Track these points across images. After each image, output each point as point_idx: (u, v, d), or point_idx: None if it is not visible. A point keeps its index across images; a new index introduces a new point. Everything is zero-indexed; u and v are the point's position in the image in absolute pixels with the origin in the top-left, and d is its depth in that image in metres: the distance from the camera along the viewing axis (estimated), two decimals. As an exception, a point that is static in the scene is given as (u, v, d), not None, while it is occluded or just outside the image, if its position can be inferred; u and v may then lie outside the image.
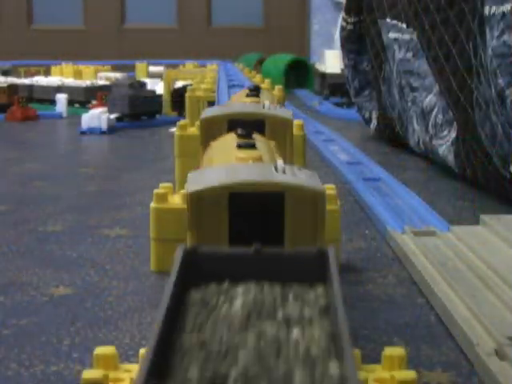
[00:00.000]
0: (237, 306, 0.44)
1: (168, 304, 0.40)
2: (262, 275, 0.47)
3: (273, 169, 0.62)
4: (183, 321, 0.42)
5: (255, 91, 0.90)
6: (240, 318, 0.42)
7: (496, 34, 1.37)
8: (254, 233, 0.54)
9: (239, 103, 0.85)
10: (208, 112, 0.77)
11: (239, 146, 0.70)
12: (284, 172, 0.61)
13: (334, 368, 0.37)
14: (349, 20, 2.35)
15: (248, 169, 0.62)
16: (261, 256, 0.48)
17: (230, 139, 0.75)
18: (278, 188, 0.57)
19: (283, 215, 0.57)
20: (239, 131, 0.73)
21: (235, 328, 0.41)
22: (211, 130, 0.73)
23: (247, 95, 0.92)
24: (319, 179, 0.62)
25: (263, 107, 0.76)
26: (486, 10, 1.41)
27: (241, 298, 0.45)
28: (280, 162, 0.64)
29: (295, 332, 0.41)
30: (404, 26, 1.97)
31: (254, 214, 0.57)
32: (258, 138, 0.75)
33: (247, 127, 0.70)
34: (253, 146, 0.70)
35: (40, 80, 3.46)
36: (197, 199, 0.58)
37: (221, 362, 0.37)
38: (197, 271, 0.48)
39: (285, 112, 0.74)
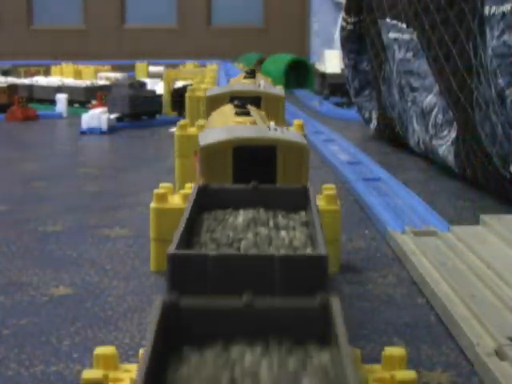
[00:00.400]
0: (239, 219, 0.58)
1: (187, 219, 0.53)
2: (258, 204, 0.61)
3: (267, 128, 0.77)
4: (199, 228, 0.56)
5: (251, 74, 1.05)
6: (242, 225, 0.56)
7: (496, 33, 1.37)
8: (253, 175, 0.66)
9: (239, 83, 0.96)
10: (212, 90, 0.89)
11: (237, 114, 0.83)
12: (275, 130, 0.76)
13: (309, 250, 0.51)
14: (349, 20, 2.35)
15: (247, 128, 0.77)
16: (257, 191, 0.62)
17: (229, 109, 0.88)
18: (271, 142, 0.72)
19: (275, 162, 0.72)
20: (236, 102, 0.87)
21: (238, 230, 0.55)
22: (215, 106, 0.84)
23: (244, 77, 1.06)
24: (304, 137, 0.76)
25: (259, 86, 0.89)
26: (486, 9, 1.41)
27: (242, 215, 0.59)
28: (272, 124, 0.80)
29: (282, 233, 0.55)
30: (404, 26, 1.97)
31: (252, 161, 0.71)
32: (251, 108, 0.88)
33: (246, 102, 0.82)
34: (248, 114, 0.84)
35: (40, 80, 3.46)
36: (207, 152, 0.72)
37: (227, 248, 0.51)
38: (208, 201, 0.61)
39: (277, 90, 0.89)
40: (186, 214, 0.54)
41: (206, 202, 0.61)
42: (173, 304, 0.38)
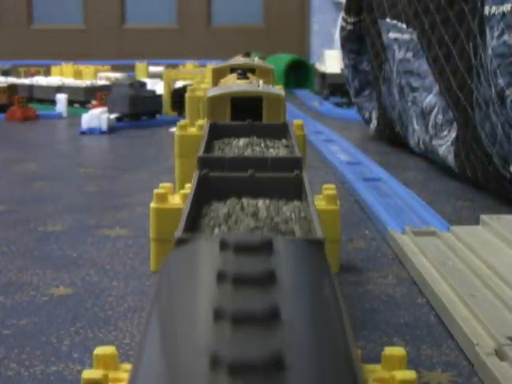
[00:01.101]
0: (240, 142, 0.81)
1: (205, 142, 0.77)
2: (252, 134, 0.84)
3: (256, 85, 1.02)
4: (213, 148, 0.79)
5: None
6: (242, 146, 0.80)
7: (496, 34, 1.37)
8: (245, 117, 0.89)
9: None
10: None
11: (238, 78, 1.13)
12: (262, 87, 1.00)
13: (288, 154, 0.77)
14: (349, 20, 2.35)
15: (242, 85, 1.03)
16: (251, 125, 0.85)
17: (232, 76, 1.18)
18: (258, 94, 0.97)
19: (261, 107, 0.97)
20: (239, 71, 1.16)
21: (240, 149, 0.78)
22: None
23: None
24: (283, 92, 1.02)
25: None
26: (486, 9, 1.41)
27: (242, 140, 0.82)
28: (261, 82, 1.05)
29: (271, 150, 0.79)
30: (404, 26, 1.97)
31: (245, 107, 0.95)
32: (250, 75, 1.16)
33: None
34: (247, 78, 1.13)
35: (40, 80, 3.46)
36: (213, 100, 0.97)
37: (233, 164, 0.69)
38: (217, 133, 0.84)
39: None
40: (204, 141, 0.78)
41: (215, 133, 0.84)
42: (205, 175, 0.63)
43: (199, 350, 0.29)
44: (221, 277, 0.34)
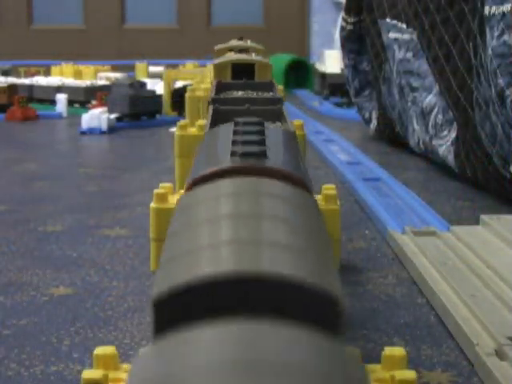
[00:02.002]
0: (239, 93, 1.04)
1: (214, 93, 0.99)
2: (247, 88, 1.07)
3: (251, 56, 1.31)
4: (218, 91, 1.03)
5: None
6: (238, 88, 1.06)
7: (496, 34, 1.37)
8: (242, 77, 1.15)
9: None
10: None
11: (235, 53, 1.42)
12: (255, 57, 1.29)
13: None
14: (349, 20, 2.35)
15: (239, 56, 1.30)
16: (246, 83, 1.09)
17: (230, 53, 1.45)
18: (252, 61, 1.23)
19: (254, 71, 1.21)
20: (237, 50, 1.48)
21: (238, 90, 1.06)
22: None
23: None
24: (269, 60, 1.29)
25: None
26: (486, 9, 1.41)
27: (240, 92, 1.04)
28: (253, 54, 1.37)
29: (260, 93, 1.03)
30: (404, 26, 1.97)
31: (241, 71, 1.21)
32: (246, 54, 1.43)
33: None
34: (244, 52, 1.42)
35: (40, 80, 3.46)
36: (219, 66, 1.23)
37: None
38: (222, 88, 1.06)
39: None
40: (213, 91, 1.02)
41: (220, 88, 1.07)
42: (216, 108, 0.85)
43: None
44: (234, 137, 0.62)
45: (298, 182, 0.54)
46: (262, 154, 0.57)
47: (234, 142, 0.59)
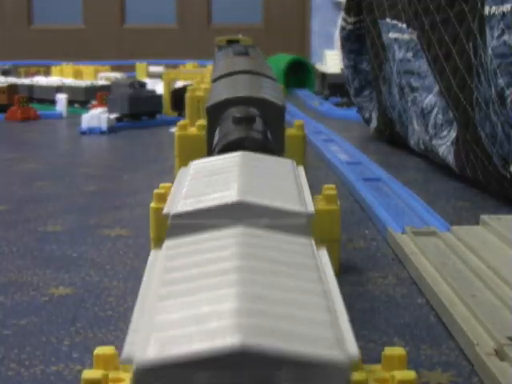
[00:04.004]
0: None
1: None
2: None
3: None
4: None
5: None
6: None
7: (496, 34, 1.37)
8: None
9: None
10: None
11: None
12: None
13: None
14: (349, 20, 2.35)
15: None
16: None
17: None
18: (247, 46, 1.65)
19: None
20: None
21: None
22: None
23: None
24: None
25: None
26: (486, 9, 1.40)
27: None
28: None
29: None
30: (404, 26, 1.97)
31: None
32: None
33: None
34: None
35: (40, 80, 3.46)
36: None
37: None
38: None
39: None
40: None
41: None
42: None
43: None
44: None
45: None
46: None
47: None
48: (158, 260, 0.53)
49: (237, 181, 0.60)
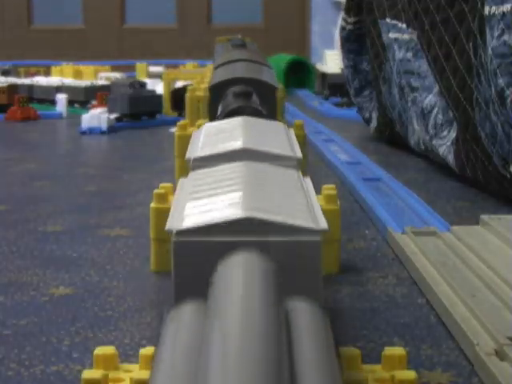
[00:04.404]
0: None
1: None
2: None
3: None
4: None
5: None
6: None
7: (496, 33, 1.37)
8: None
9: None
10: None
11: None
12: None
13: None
14: (349, 20, 2.35)
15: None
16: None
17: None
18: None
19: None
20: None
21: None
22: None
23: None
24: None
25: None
26: (486, 9, 1.40)
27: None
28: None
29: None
30: (404, 26, 1.97)
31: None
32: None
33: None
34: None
35: (40, 80, 3.45)
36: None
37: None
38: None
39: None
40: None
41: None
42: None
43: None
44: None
45: None
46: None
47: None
48: (186, 180, 0.73)
49: (241, 135, 0.77)
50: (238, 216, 0.55)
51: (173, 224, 0.59)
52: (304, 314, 0.43)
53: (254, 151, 0.72)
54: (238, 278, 0.41)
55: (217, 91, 1.00)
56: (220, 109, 1.01)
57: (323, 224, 0.58)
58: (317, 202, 0.66)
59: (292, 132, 0.88)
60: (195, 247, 0.54)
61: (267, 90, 0.99)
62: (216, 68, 1.26)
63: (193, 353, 0.37)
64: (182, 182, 0.72)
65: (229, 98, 0.95)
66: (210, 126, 0.88)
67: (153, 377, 0.37)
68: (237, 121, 0.85)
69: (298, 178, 0.70)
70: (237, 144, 0.74)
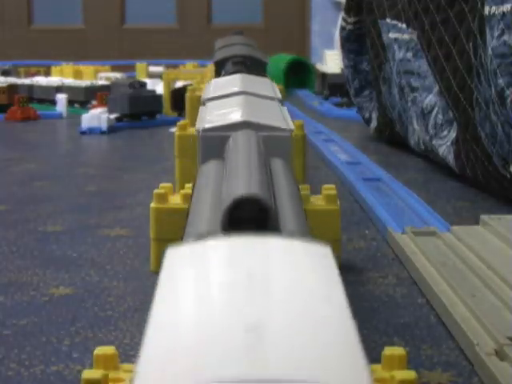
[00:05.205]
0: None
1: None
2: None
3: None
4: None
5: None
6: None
7: (496, 33, 1.37)
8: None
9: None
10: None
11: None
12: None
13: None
14: (349, 20, 2.35)
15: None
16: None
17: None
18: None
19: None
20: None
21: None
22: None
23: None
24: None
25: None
26: (486, 9, 1.40)
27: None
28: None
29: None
30: (404, 26, 1.97)
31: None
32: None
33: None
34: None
35: (40, 80, 3.46)
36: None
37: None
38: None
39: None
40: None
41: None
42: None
43: None
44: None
45: None
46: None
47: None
48: (204, 107, 1.01)
49: (239, 83, 1.07)
50: (239, 120, 0.86)
51: (199, 126, 0.89)
52: (280, 165, 0.75)
53: (248, 92, 1.01)
54: (243, 139, 0.74)
55: (220, 65, 1.33)
56: (222, 74, 1.33)
57: (292, 126, 0.89)
58: (288, 117, 0.94)
59: (275, 84, 1.18)
60: (213, 138, 0.84)
61: (258, 63, 1.30)
62: (219, 49, 1.58)
63: (220, 178, 0.68)
64: (201, 109, 1.02)
65: (229, 66, 1.27)
66: (216, 81, 1.19)
67: (195, 195, 0.68)
68: (235, 76, 1.15)
69: (278, 106, 1.01)
70: (236, 88, 1.03)
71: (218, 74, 1.39)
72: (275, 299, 0.34)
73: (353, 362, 0.32)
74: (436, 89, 1.78)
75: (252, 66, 1.26)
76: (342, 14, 2.46)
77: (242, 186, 0.54)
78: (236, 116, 0.87)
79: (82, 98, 3.18)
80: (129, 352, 0.82)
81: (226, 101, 0.98)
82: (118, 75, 3.67)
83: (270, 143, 0.79)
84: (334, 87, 3.59)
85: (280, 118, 0.92)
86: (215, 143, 0.82)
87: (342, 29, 2.39)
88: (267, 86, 1.10)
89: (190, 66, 3.47)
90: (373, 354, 0.79)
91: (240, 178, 0.57)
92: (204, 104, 1.03)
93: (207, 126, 0.87)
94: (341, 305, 0.39)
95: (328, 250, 0.42)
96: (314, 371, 0.29)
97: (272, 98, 1.03)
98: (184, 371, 0.28)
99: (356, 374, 0.31)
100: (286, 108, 1.00)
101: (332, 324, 0.36)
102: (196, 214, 0.59)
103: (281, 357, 0.29)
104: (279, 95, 1.07)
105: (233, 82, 1.07)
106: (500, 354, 0.76)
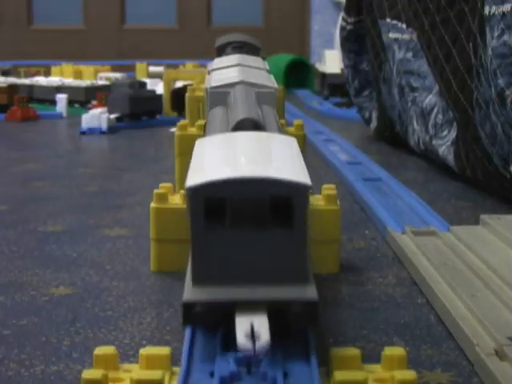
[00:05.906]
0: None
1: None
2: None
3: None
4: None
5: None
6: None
7: (496, 33, 1.37)
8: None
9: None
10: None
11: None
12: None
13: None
14: (349, 20, 2.35)
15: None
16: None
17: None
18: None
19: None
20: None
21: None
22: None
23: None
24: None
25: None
26: (486, 9, 1.41)
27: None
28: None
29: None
30: (404, 26, 1.97)
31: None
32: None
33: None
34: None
35: (40, 80, 3.46)
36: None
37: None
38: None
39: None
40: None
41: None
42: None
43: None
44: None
45: None
46: None
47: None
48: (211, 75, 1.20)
49: (236, 60, 1.22)
50: (237, 79, 1.05)
51: (207, 85, 1.08)
52: (266, 108, 0.96)
53: (244, 64, 1.20)
54: (241, 90, 0.97)
55: (221, 49, 1.52)
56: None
57: (276, 85, 1.07)
58: (274, 81, 1.11)
59: (265, 62, 1.36)
60: (218, 94, 1.03)
61: (253, 48, 1.48)
62: (220, 37, 1.79)
63: (225, 114, 0.91)
64: (207, 76, 1.23)
65: (228, 50, 1.46)
66: (218, 59, 1.37)
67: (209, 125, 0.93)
68: (233, 55, 1.34)
69: (266, 74, 1.19)
70: (234, 62, 1.21)
71: (219, 56, 1.62)
72: (253, 147, 0.68)
73: (299, 166, 0.65)
74: (436, 89, 1.78)
75: (248, 50, 1.47)
76: (342, 14, 2.46)
77: (242, 113, 0.81)
78: (234, 78, 1.07)
79: (82, 98, 3.18)
80: (129, 352, 0.82)
81: (227, 70, 1.20)
82: (118, 75, 3.66)
83: (260, 96, 1.00)
84: (333, 87, 3.59)
85: (267, 80, 1.13)
86: (220, 97, 1.03)
87: (342, 29, 2.39)
88: (258, 62, 1.30)
89: (189, 65, 3.47)
90: (373, 354, 0.79)
91: (240, 108, 0.85)
92: (209, 73, 1.25)
93: (213, 84, 1.06)
94: (294, 147, 0.71)
95: (294, 140, 0.73)
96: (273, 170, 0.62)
97: (261, 69, 1.24)
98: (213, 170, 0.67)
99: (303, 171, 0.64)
100: (272, 76, 1.21)
101: (285, 153, 0.68)
102: (211, 132, 0.84)
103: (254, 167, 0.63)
104: (267, 67, 1.29)
105: (232, 59, 1.27)
106: (500, 354, 0.76)
